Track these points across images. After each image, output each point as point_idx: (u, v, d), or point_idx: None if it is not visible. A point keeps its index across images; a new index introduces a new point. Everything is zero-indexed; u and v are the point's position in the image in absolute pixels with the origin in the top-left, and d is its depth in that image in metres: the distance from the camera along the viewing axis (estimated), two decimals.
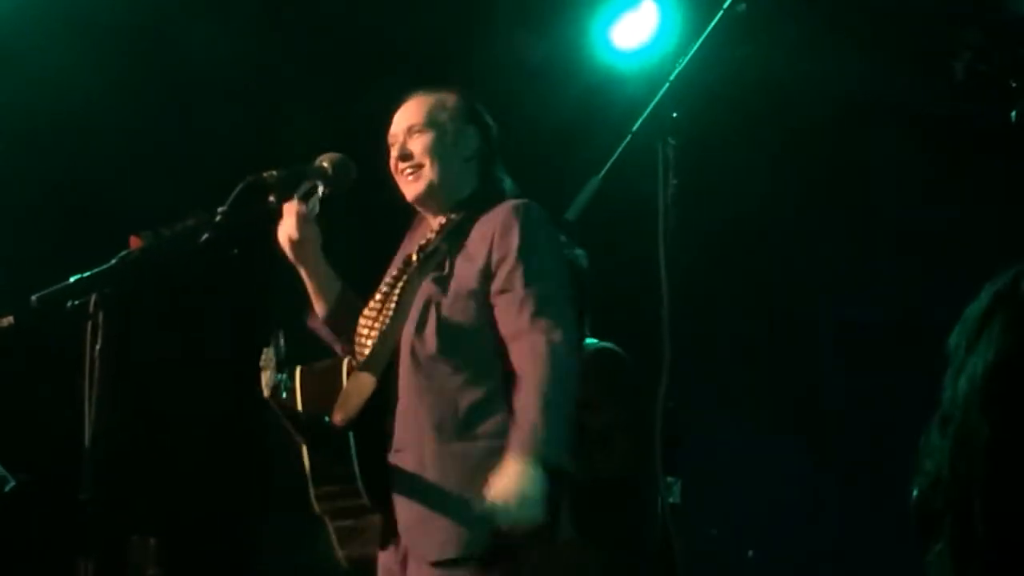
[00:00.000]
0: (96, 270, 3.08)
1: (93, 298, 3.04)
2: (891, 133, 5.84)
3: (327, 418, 3.39)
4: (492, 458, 3.26)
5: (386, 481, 3.37)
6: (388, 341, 3.45)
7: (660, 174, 2.95)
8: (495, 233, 3.41)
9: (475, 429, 3.33)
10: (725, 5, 3.00)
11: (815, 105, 5.80)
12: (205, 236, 3.18)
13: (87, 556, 3.01)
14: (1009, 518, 1.62)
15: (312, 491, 3.47)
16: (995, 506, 1.63)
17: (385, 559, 3.44)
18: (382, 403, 3.40)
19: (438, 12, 5.88)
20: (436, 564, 3.30)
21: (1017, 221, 5.24)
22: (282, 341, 3.37)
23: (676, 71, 3.00)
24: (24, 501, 4.31)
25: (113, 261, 3.10)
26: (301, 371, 3.52)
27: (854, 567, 5.95)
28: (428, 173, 3.52)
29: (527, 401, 3.25)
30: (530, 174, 3.67)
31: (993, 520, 1.63)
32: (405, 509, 3.36)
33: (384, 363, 3.42)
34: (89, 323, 3.02)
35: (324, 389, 3.46)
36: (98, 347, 2.99)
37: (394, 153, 3.58)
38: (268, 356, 3.38)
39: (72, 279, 3.08)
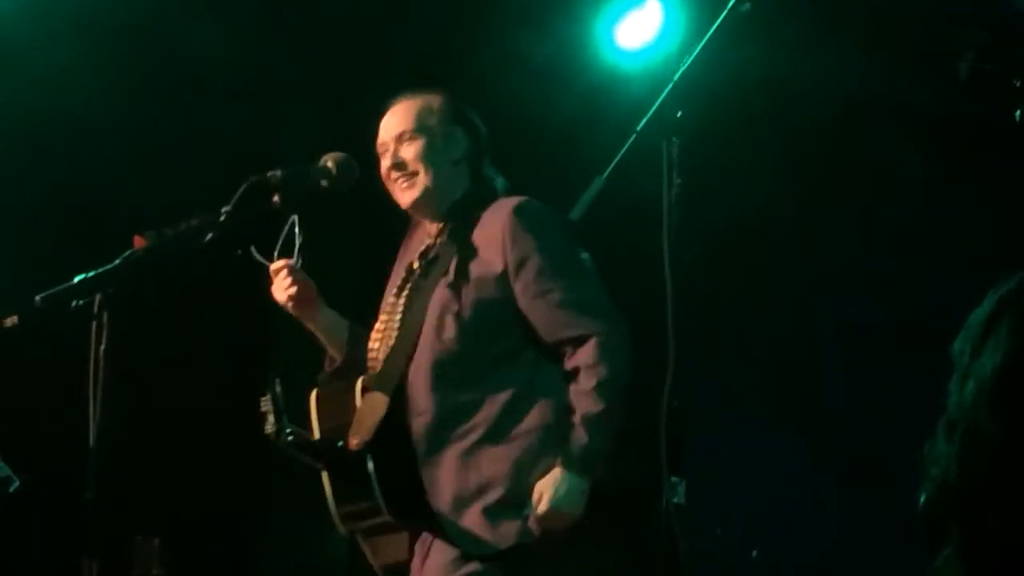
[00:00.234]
0: (100, 270, 3.09)
1: (97, 298, 3.04)
2: (894, 133, 5.84)
3: (340, 443, 3.41)
4: (527, 456, 3.33)
5: (409, 496, 3.37)
6: (399, 356, 3.45)
7: (664, 173, 2.94)
8: (504, 236, 3.41)
9: (509, 431, 3.36)
10: (729, 5, 3.00)
11: (818, 105, 5.80)
12: (209, 236, 3.18)
13: (91, 556, 3.01)
14: (1020, 521, 1.62)
15: (336, 513, 3.49)
16: (1005, 509, 1.63)
17: (412, 565, 3.45)
18: (399, 419, 3.41)
19: (441, 11, 5.87)
20: (460, 559, 3.33)
21: (1019, 221, 5.24)
22: (278, 389, 3.37)
23: (680, 70, 2.99)
24: (28, 501, 4.31)
25: (117, 261, 3.11)
26: (316, 395, 3.54)
27: (857, 566, 5.94)
28: (423, 180, 3.53)
29: (586, 409, 3.32)
30: (534, 173, 3.68)
31: (1004, 523, 1.63)
32: (437, 513, 3.37)
33: (396, 380, 3.42)
34: (93, 323, 3.02)
35: (339, 411, 3.47)
36: (102, 347, 2.99)
37: (386, 162, 3.58)
38: (267, 403, 3.37)
39: (76, 279, 3.09)
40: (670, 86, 2.98)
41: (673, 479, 3.08)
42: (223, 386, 5.92)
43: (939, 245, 5.82)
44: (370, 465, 3.36)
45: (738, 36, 3.02)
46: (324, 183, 3.41)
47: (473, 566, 3.31)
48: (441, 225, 3.56)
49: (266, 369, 3.48)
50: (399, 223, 3.72)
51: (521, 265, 3.39)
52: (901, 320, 5.92)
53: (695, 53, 2.98)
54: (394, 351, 3.47)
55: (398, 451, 3.39)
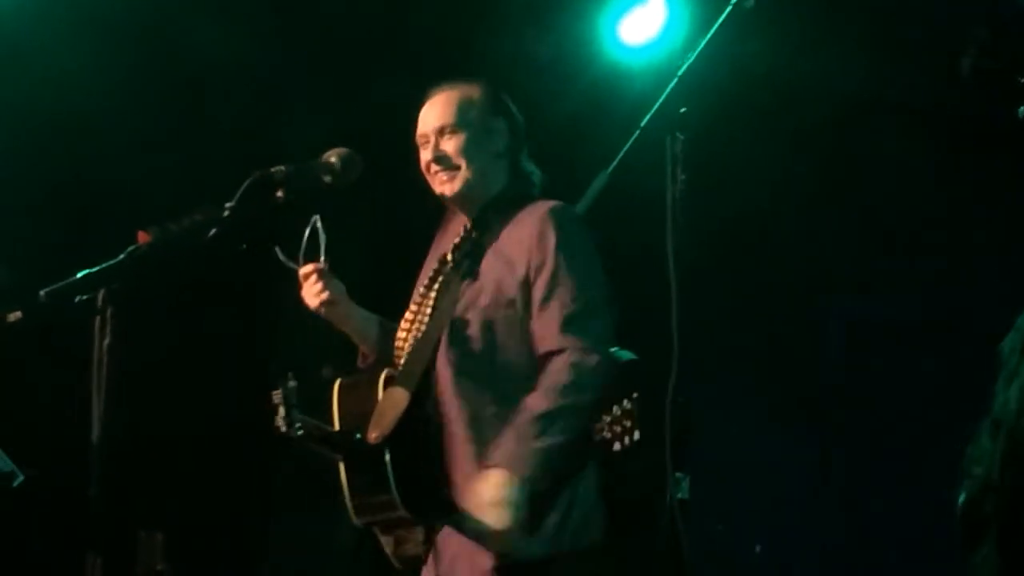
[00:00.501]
0: (104, 265, 3.08)
1: (101, 293, 3.03)
2: (897, 129, 5.84)
3: (358, 435, 3.40)
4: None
5: (426, 492, 3.37)
6: (423, 352, 3.45)
7: (668, 169, 2.94)
8: (532, 240, 3.40)
9: None
10: (733, 1, 3.00)
11: (822, 101, 5.80)
12: (213, 231, 3.18)
13: (95, 551, 3.01)
14: None
15: (350, 505, 3.48)
16: None
17: (426, 574, 3.44)
18: (420, 415, 3.41)
19: (445, 8, 5.88)
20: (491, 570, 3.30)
21: (1021, 218, 5.24)
22: (291, 384, 3.35)
23: (684, 66, 3.00)
24: (32, 496, 4.31)
25: (121, 256, 3.10)
26: (339, 385, 3.53)
27: (859, 562, 5.94)
28: (464, 174, 3.53)
29: (531, 419, 3.27)
30: (539, 169, 3.67)
31: None
32: (455, 511, 3.35)
33: (419, 375, 3.42)
34: (97, 318, 3.02)
35: (360, 403, 3.47)
36: (106, 342, 2.99)
37: (426, 155, 3.57)
38: (278, 397, 3.37)
39: (80, 274, 3.08)
40: (674, 82, 2.98)
41: (677, 475, 3.08)
42: (227, 381, 5.93)
43: (944, 242, 5.82)
44: (387, 459, 3.35)
45: (741, 32, 3.02)
46: (328, 179, 3.40)
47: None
48: (477, 219, 3.56)
49: (269, 363, 3.48)
50: (403, 220, 3.72)
51: (538, 271, 3.38)
52: (904, 317, 5.91)
53: (699, 49, 2.98)
54: (419, 345, 3.47)
55: (417, 447, 3.38)
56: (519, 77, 5.62)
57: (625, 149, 3.00)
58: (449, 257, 3.57)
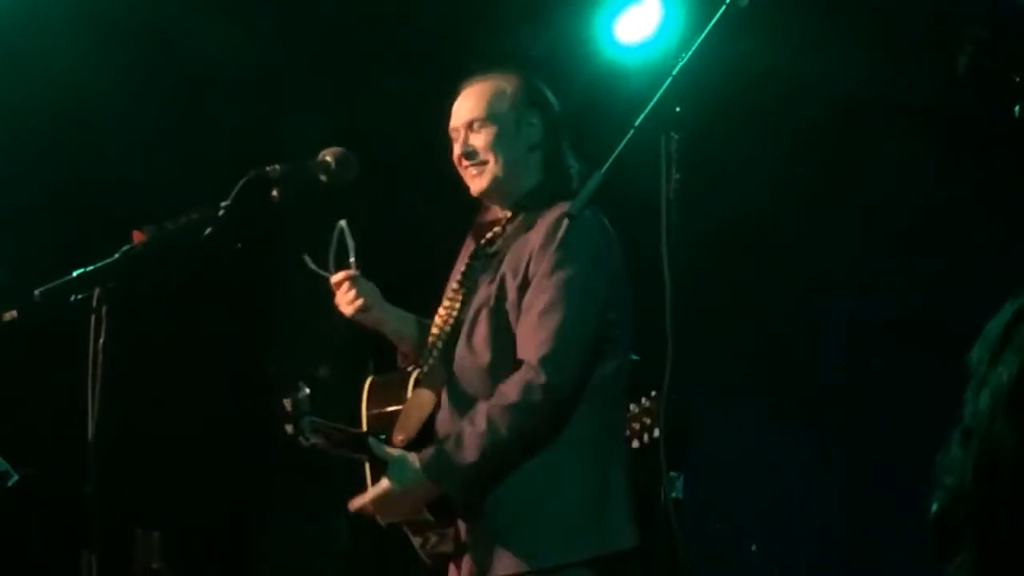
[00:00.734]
0: (99, 264, 3.09)
1: (96, 292, 3.04)
2: (893, 128, 5.83)
3: (383, 437, 3.37)
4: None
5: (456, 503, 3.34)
6: (449, 351, 3.42)
7: (663, 168, 2.94)
8: (537, 245, 3.34)
9: None
10: (728, 0, 2.99)
11: (818, 99, 5.79)
12: (208, 230, 3.19)
13: (91, 549, 3.02)
14: None
15: None
16: (1022, 519, 1.62)
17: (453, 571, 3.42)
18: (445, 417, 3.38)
19: (442, 7, 5.88)
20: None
21: (1020, 217, 5.23)
22: (304, 392, 3.31)
23: (679, 65, 2.99)
24: (28, 495, 4.31)
25: (116, 255, 3.11)
26: (370, 383, 3.51)
27: (856, 561, 5.94)
28: (492, 169, 3.47)
29: (473, 430, 3.24)
30: (580, 162, 3.64)
31: (1019, 532, 1.62)
32: (463, 526, 3.34)
33: (444, 376, 3.39)
34: (92, 317, 3.02)
35: (390, 402, 3.44)
36: (101, 341, 3.00)
37: (456, 150, 3.53)
38: (288, 404, 3.33)
39: (75, 273, 3.09)
40: (669, 81, 2.97)
41: (672, 474, 3.08)
42: (224, 379, 5.94)
43: (942, 241, 5.82)
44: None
45: (737, 30, 3.01)
46: (323, 178, 3.40)
47: None
48: (509, 214, 3.51)
49: (266, 363, 3.47)
50: (400, 221, 3.71)
51: (534, 278, 3.32)
52: (902, 316, 5.91)
53: (694, 48, 2.97)
54: (446, 345, 3.43)
55: None
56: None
57: (620, 148, 2.98)
58: (479, 252, 3.52)
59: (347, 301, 3.53)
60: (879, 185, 5.98)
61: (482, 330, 3.35)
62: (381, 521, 3.45)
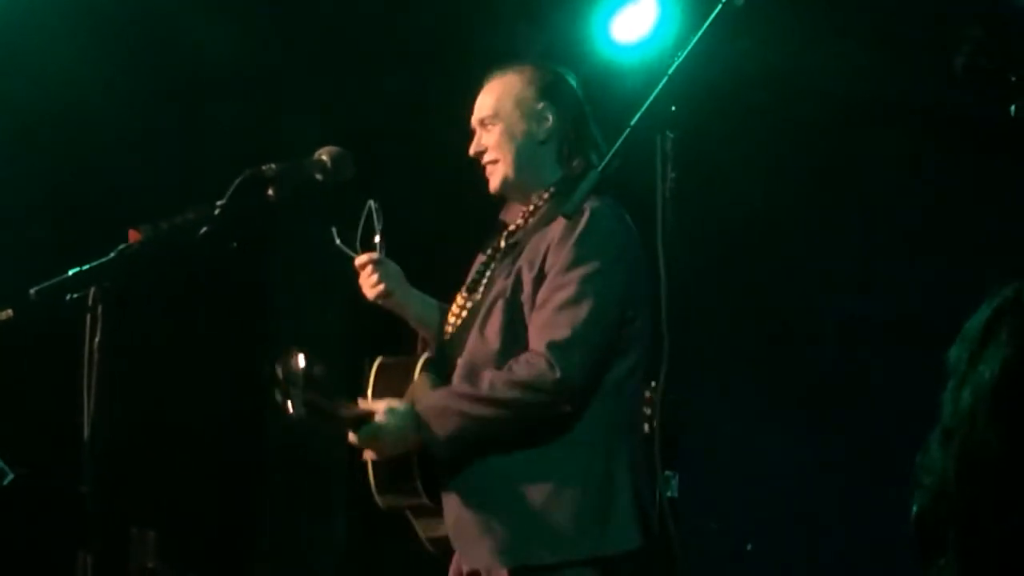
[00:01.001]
0: (95, 263, 3.08)
1: (92, 291, 3.04)
2: (890, 128, 5.84)
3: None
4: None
5: (446, 483, 3.34)
6: (459, 340, 3.41)
7: (658, 167, 2.93)
8: (555, 238, 3.31)
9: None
10: None
11: (814, 98, 5.80)
12: (204, 229, 3.18)
13: (87, 549, 3.01)
14: (1019, 530, 1.60)
15: (375, 490, 3.45)
16: (1004, 518, 1.61)
17: (454, 563, 3.42)
18: None
19: (439, 6, 5.88)
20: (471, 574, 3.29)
21: (1017, 216, 5.24)
22: (299, 364, 3.24)
23: (675, 64, 2.98)
24: (23, 494, 4.32)
25: (112, 254, 3.11)
26: (379, 364, 3.49)
27: (852, 560, 5.95)
28: (501, 168, 3.47)
29: (472, 390, 3.24)
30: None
31: (1002, 532, 1.61)
32: (451, 515, 3.33)
33: (451, 364, 3.39)
34: (88, 316, 3.02)
35: (396, 385, 3.43)
36: (97, 340, 3.00)
37: (471, 148, 3.54)
38: (280, 376, 3.27)
39: (71, 272, 3.09)
40: (664, 80, 2.97)
41: (667, 473, 3.08)
42: (220, 378, 5.94)
43: (939, 240, 5.83)
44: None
45: (733, 30, 3.01)
46: (319, 176, 3.40)
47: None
48: (531, 208, 3.49)
49: (263, 362, 3.45)
50: (399, 221, 3.71)
51: (550, 272, 3.30)
52: (900, 316, 5.92)
53: (690, 47, 2.97)
54: (458, 333, 3.43)
55: None
56: None
57: (616, 147, 2.98)
58: (501, 244, 3.51)
59: (369, 285, 3.53)
60: (876, 184, 5.99)
61: (496, 320, 3.34)
62: (379, 503, 3.44)
